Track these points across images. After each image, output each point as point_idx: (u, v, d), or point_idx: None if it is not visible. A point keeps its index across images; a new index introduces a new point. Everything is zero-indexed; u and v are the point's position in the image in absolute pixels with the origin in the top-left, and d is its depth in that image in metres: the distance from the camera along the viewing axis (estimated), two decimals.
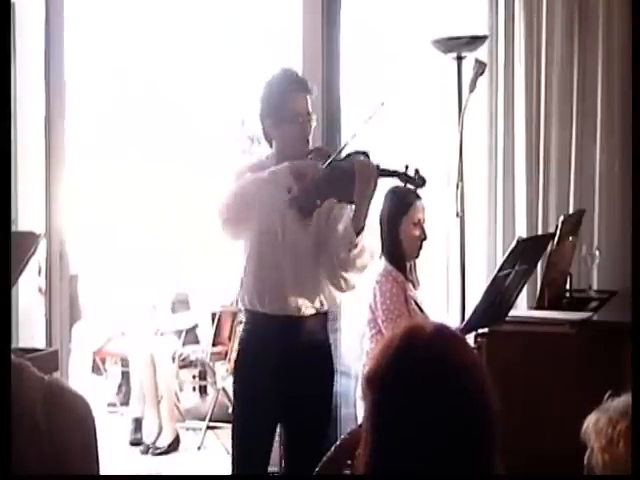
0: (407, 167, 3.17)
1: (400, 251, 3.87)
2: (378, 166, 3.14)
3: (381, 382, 1.56)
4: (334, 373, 3.41)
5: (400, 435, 1.52)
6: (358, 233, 3.14)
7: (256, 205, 3.16)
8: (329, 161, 3.13)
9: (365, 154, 3.18)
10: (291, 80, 3.28)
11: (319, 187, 3.14)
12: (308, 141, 3.26)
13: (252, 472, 3.31)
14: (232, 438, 3.37)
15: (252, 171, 3.25)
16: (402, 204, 3.86)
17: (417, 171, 3.17)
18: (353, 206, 3.18)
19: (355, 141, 3.21)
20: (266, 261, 3.24)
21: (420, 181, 3.20)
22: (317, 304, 3.28)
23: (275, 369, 3.22)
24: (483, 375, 1.56)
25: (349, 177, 3.11)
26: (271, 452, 3.36)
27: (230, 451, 3.41)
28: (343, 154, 3.24)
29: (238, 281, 3.34)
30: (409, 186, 3.22)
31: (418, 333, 1.58)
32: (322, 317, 3.33)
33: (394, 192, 3.88)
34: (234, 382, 3.42)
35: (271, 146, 3.33)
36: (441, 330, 1.60)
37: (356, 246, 3.15)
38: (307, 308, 3.26)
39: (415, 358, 1.54)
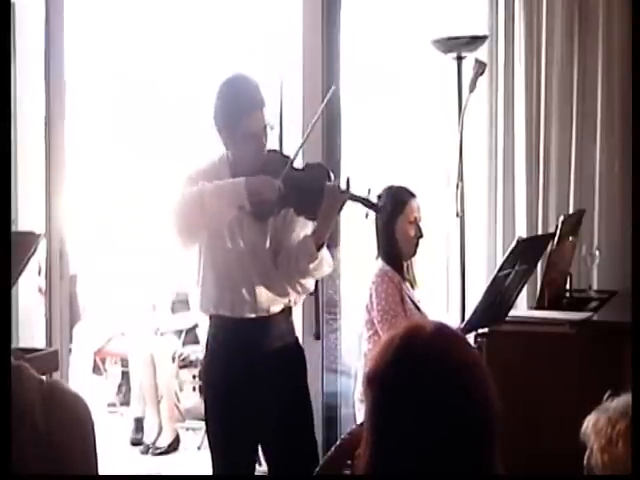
0: (369, 191, 3.18)
1: (396, 251, 3.86)
2: (347, 191, 3.15)
3: (382, 381, 1.55)
4: (306, 363, 3.42)
5: (401, 435, 1.52)
6: (318, 248, 3.17)
7: (207, 217, 3.12)
8: (285, 171, 3.14)
9: (325, 169, 3.22)
10: (244, 98, 3.18)
11: (278, 197, 3.14)
12: (264, 152, 3.22)
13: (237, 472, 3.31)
14: (212, 448, 3.37)
15: (205, 176, 3.19)
16: (397, 203, 3.86)
17: (379, 197, 3.22)
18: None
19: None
20: (227, 267, 3.23)
21: (381, 207, 3.24)
22: (284, 301, 3.30)
23: (249, 370, 3.23)
24: (484, 374, 1.56)
25: (311, 194, 3.13)
26: (256, 456, 3.38)
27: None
28: (299, 164, 3.27)
29: (197, 289, 3.32)
30: (370, 211, 3.22)
31: (418, 332, 1.58)
32: (288, 311, 3.35)
33: (389, 191, 3.87)
34: (205, 389, 3.42)
35: (226, 149, 3.27)
36: (441, 329, 1.60)
37: (316, 259, 3.18)
38: (275, 306, 3.27)
39: (415, 357, 1.54)
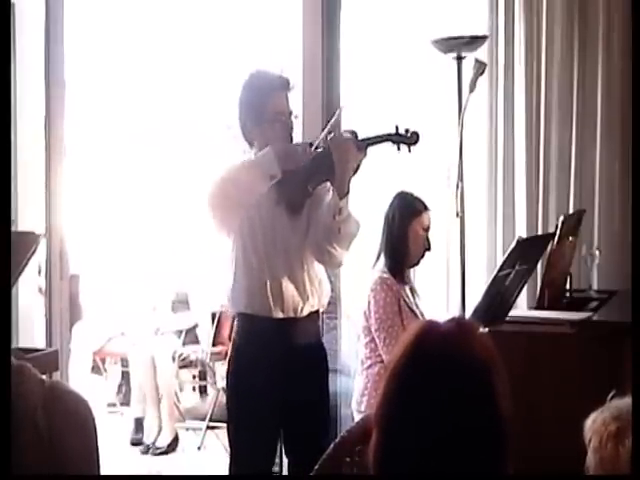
0: (397, 127, 3.13)
1: (405, 251, 3.82)
2: (357, 136, 3.11)
3: (397, 375, 1.54)
4: (329, 370, 3.42)
5: (414, 430, 1.50)
6: (341, 197, 3.11)
7: (241, 192, 3.13)
8: (316, 144, 3.14)
9: (353, 132, 3.16)
10: (270, 79, 3.23)
11: (306, 174, 3.13)
12: (291, 139, 3.25)
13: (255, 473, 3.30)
14: (231, 445, 3.35)
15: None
16: (414, 207, 3.85)
17: (407, 130, 3.12)
18: None
19: None
20: (259, 263, 3.22)
21: (413, 137, 3.12)
22: (312, 302, 3.28)
23: (275, 371, 3.21)
24: (499, 371, 1.54)
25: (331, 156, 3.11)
26: (275, 456, 3.36)
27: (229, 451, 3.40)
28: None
29: (227, 284, 3.30)
30: (402, 146, 3.13)
31: (436, 327, 1.56)
32: (316, 315, 3.34)
33: (403, 197, 3.87)
34: (230, 387, 3.38)
35: (251, 147, 3.28)
36: (460, 324, 1.57)
37: (340, 211, 3.11)
38: (303, 307, 3.26)
39: (432, 352, 1.52)
